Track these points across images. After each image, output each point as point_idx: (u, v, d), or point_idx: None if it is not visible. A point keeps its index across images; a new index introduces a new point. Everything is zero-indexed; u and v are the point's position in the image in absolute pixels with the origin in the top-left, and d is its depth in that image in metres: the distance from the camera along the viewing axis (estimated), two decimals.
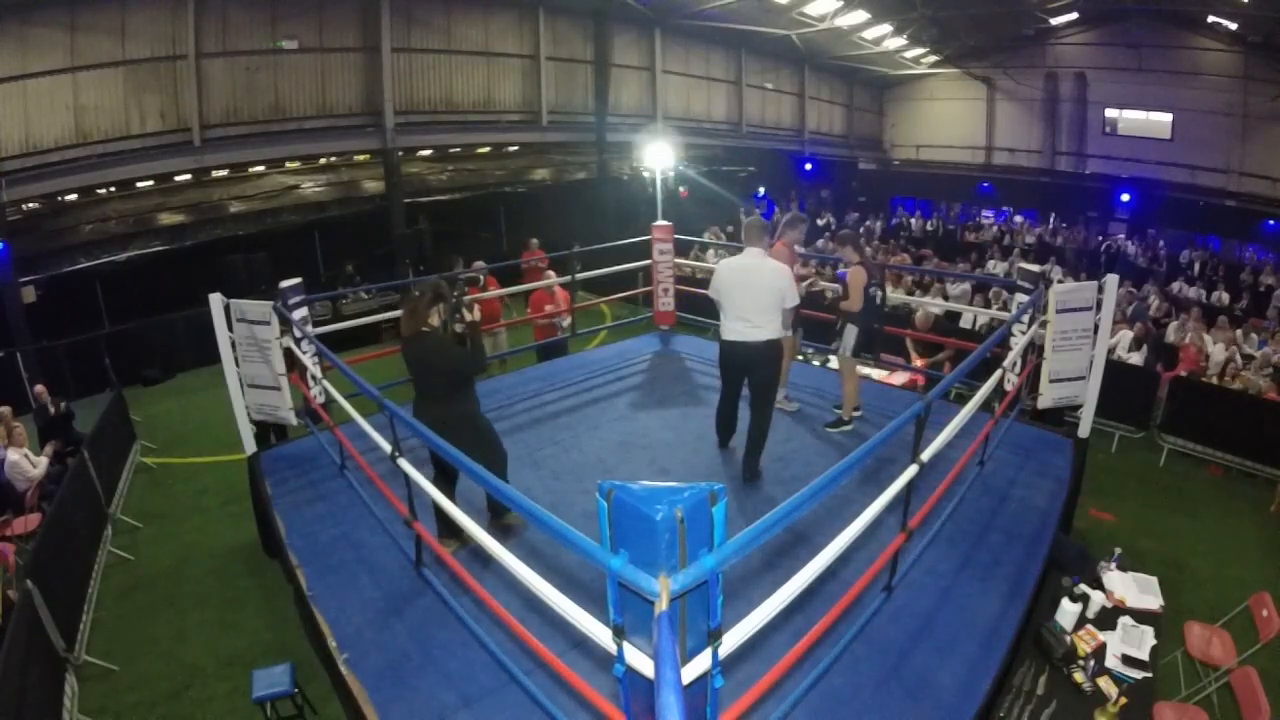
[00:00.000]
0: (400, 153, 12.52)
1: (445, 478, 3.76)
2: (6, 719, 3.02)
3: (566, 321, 7.69)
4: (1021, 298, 5.12)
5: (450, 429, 3.19)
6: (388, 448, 3.28)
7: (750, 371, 4.27)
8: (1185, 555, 5.16)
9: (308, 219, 12.94)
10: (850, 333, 4.90)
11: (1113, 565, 3.72)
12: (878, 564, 2.91)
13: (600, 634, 1.81)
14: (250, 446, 5.00)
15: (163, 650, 4.36)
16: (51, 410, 7.00)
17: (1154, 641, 3.23)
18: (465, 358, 3.53)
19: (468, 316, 3.58)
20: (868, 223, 18.31)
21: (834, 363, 6.07)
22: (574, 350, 7.72)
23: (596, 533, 1.70)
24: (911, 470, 2.81)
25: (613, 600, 1.67)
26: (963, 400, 4.58)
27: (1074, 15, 16.73)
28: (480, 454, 3.20)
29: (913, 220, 19.24)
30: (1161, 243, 15.97)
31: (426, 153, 15.05)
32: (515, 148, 16.23)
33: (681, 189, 17.25)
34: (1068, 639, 3.17)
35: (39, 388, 7.17)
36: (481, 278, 7.65)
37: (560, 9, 14.02)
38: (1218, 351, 7.83)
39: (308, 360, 5.07)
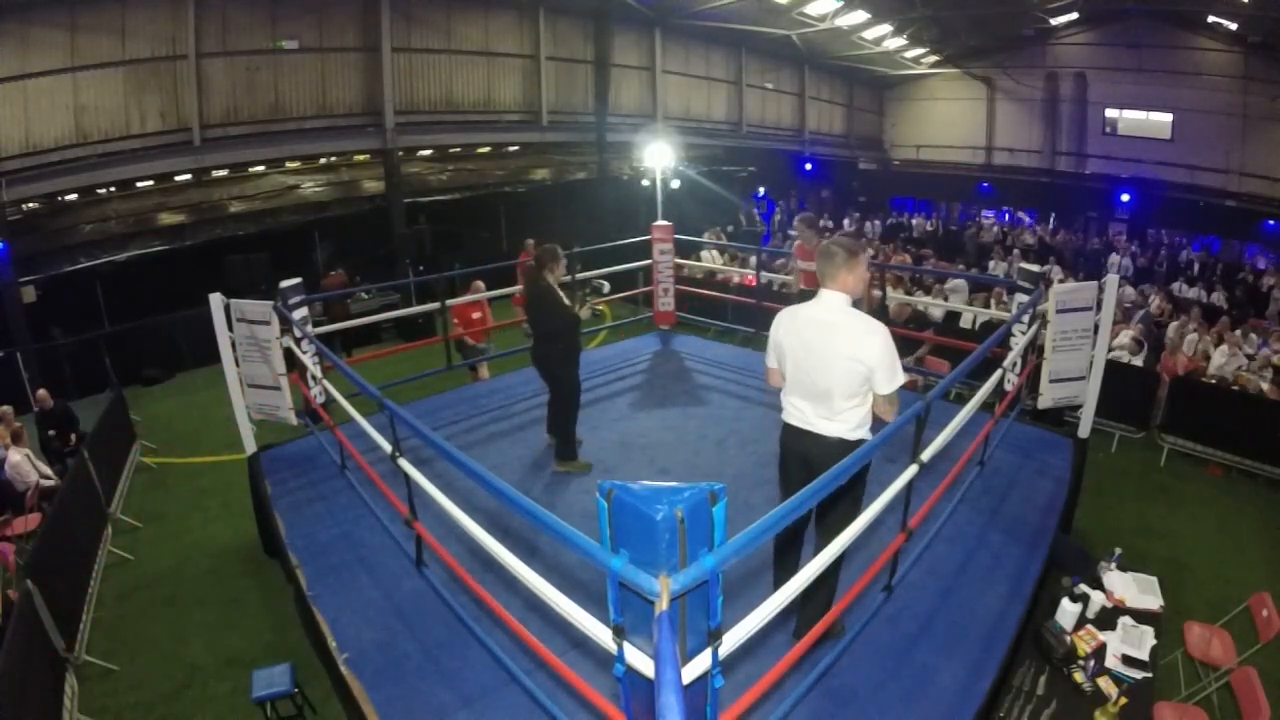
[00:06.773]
0: (400, 153, 12.51)
1: (560, 405, 4.68)
2: (6, 719, 3.02)
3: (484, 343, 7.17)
4: (1022, 298, 5.12)
5: (547, 359, 4.54)
6: (388, 448, 3.28)
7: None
8: (1185, 555, 5.16)
9: (308, 219, 12.92)
10: None
11: (1113, 565, 3.71)
12: (878, 564, 2.90)
13: (600, 634, 1.81)
14: (250, 446, 5.00)
15: (163, 650, 4.36)
16: (61, 441, 6.98)
17: (1154, 641, 3.23)
18: (559, 312, 4.48)
19: (591, 307, 4.79)
20: (868, 225, 18.28)
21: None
22: None
23: (596, 533, 1.70)
24: (911, 470, 2.81)
25: (613, 600, 1.67)
26: (963, 400, 4.57)
27: (1074, 15, 16.72)
28: (565, 388, 4.60)
29: (914, 220, 19.18)
30: (1163, 251, 15.94)
31: (426, 153, 15.03)
32: (515, 148, 16.21)
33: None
34: (1068, 639, 3.16)
35: (41, 392, 7.15)
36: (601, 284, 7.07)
37: (560, 9, 14.01)
38: (1218, 356, 7.80)
39: (308, 360, 5.07)
